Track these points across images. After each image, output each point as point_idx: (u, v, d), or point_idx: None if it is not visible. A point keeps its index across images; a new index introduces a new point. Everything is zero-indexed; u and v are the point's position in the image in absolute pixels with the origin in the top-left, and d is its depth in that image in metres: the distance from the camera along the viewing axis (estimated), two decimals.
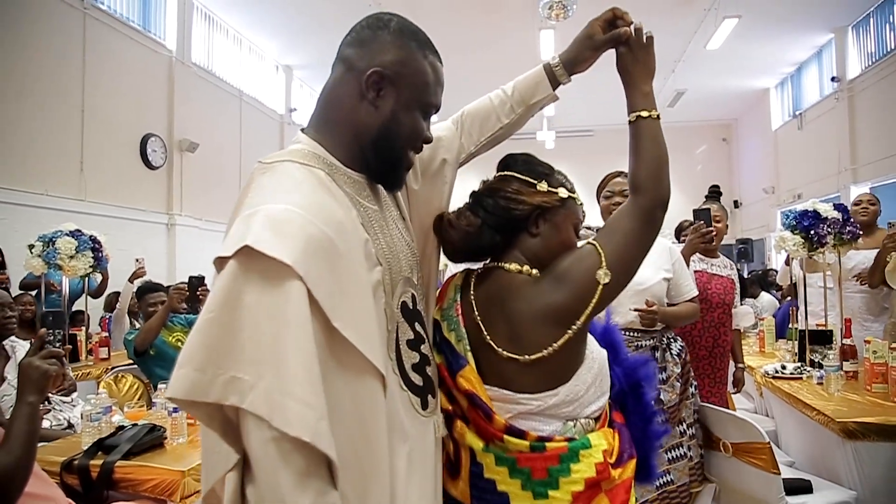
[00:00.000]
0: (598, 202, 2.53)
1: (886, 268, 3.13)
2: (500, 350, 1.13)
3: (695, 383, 2.43)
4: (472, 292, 1.22)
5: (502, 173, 1.26)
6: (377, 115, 1.02)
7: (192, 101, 8.48)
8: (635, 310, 2.25)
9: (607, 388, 1.21)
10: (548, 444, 1.11)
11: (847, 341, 3.07)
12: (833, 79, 9.92)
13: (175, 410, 2.10)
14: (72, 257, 3.95)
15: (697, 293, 2.48)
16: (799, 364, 3.21)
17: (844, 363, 2.95)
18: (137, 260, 4.85)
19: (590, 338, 1.20)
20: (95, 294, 4.89)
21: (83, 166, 6.67)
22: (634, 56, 1.27)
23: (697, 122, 14.53)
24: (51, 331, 1.86)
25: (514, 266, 1.19)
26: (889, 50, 8.58)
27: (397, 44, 1.03)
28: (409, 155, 1.08)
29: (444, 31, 9.84)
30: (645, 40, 1.27)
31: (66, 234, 3.99)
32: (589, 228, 3.10)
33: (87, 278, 4.29)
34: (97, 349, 4.34)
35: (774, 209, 12.46)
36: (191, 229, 8.34)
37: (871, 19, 9.05)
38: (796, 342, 3.47)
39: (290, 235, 0.85)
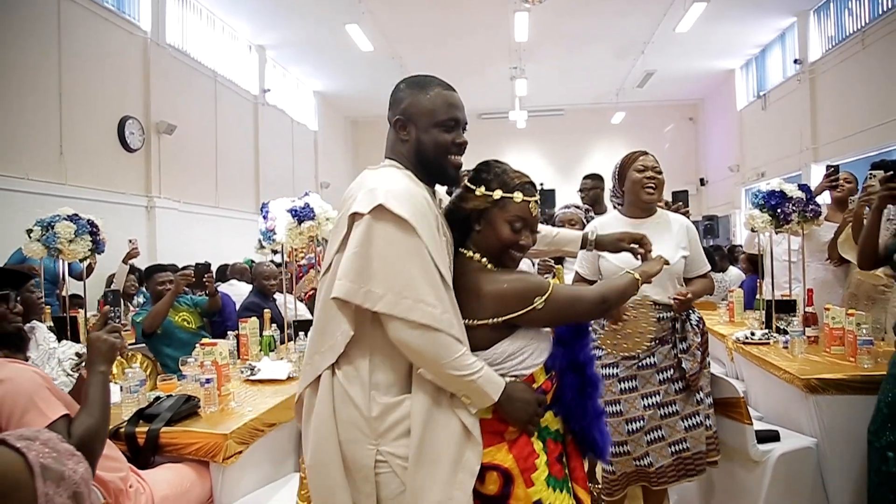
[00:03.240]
0: (624, 179, 2.51)
1: (839, 239, 3.40)
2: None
3: (710, 353, 2.54)
4: None
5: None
6: (409, 145, 1.51)
7: (167, 83, 8.45)
8: (673, 298, 2.33)
9: (531, 363, 1.49)
10: None
11: (809, 309, 3.37)
12: (795, 61, 10.29)
13: (208, 381, 2.27)
14: (71, 241, 4.02)
15: (710, 267, 2.57)
16: (766, 331, 3.49)
17: (807, 329, 3.23)
18: (131, 241, 4.92)
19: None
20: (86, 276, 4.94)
21: (62, 150, 6.66)
22: (648, 263, 1.74)
23: (665, 101, 14.89)
24: (113, 308, 1.96)
25: (469, 252, 1.55)
26: (848, 34, 8.95)
27: (405, 95, 1.52)
28: (447, 160, 1.52)
29: (421, 18, 9.93)
30: (658, 262, 1.75)
31: (65, 219, 4.05)
32: (577, 207, 3.30)
33: (68, 264, 4.31)
34: None
35: (739, 187, 12.91)
36: (170, 211, 8.36)
37: (832, 4, 9.40)
38: (763, 311, 3.76)
39: (405, 203, 1.34)
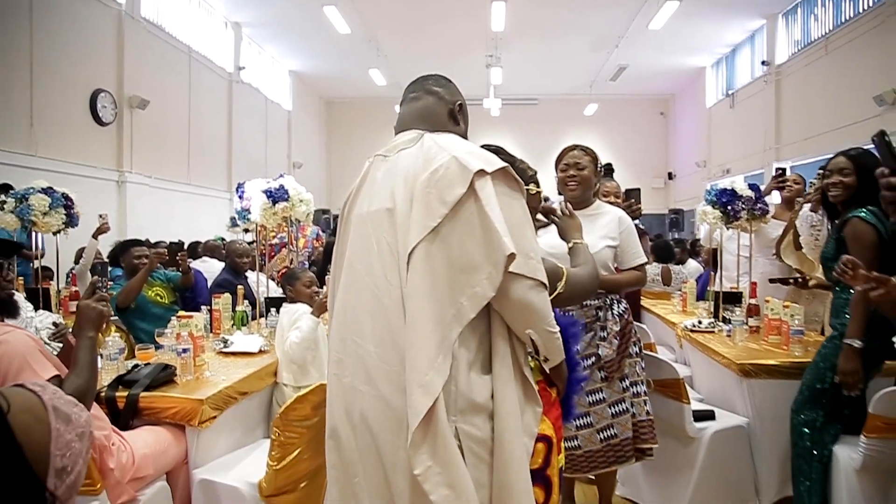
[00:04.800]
0: (556, 174, 2.63)
1: (781, 245, 3.65)
2: None
3: (640, 345, 2.57)
4: None
5: None
6: (460, 128, 1.57)
7: (141, 57, 8.39)
8: None
9: None
10: None
11: (752, 301, 3.60)
12: (763, 62, 10.61)
13: (184, 351, 2.40)
14: (45, 213, 4.06)
15: (644, 261, 2.61)
16: (712, 320, 3.73)
17: (749, 319, 3.47)
18: (101, 216, 4.93)
19: None
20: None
21: (33, 121, 6.61)
22: (566, 222, 1.87)
23: (637, 95, 15.19)
24: (101, 278, 2.04)
25: None
26: (813, 39, 9.27)
27: (458, 91, 1.60)
28: None
29: (399, 4, 9.97)
30: (569, 213, 1.90)
31: (39, 191, 4.08)
32: (546, 200, 3.44)
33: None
34: (67, 303, 4.49)
35: (705, 182, 13.26)
36: (142, 187, 8.34)
37: (800, 8, 9.71)
38: (713, 302, 3.99)
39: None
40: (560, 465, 1.49)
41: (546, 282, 1.33)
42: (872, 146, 1.62)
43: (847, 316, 2.38)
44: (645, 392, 2.52)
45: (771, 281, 3.68)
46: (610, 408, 2.45)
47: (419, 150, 1.39)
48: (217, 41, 10.77)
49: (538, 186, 1.65)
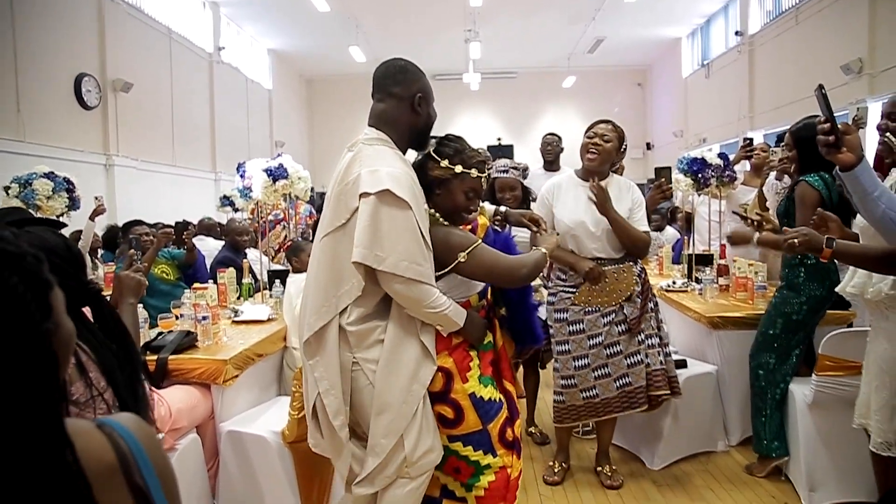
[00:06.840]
0: (583, 139, 2.78)
1: (748, 206, 3.92)
2: None
3: (655, 300, 2.81)
4: None
5: (429, 151, 1.92)
6: (423, 117, 1.88)
7: (123, 40, 8.41)
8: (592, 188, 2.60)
9: (465, 294, 1.92)
10: None
11: (722, 262, 3.89)
12: (737, 33, 10.82)
13: (204, 318, 2.61)
14: (49, 198, 4.22)
15: (648, 228, 2.78)
16: (686, 280, 4.01)
17: (719, 278, 3.76)
18: (97, 198, 5.08)
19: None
20: None
21: (20, 107, 6.66)
22: (543, 237, 2.12)
23: (615, 67, 15.34)
24: (135, 251, 2.20)
25: (432, 211, 1.89)
26: (784, 9, 9.49)
27: (419, 76, 1.89)
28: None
29: None
30: (547, 230, 2.20)
31: (41, 176, 4.24)
32: (515, 169, 3.57)
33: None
34: None
35: (683, 152, 13.46)
36: (129, 170, 8.42)
37: None
38: (686, 265, 4.28)
39: (404, 186, 1.71)
40: (473, 391, 1.84)
41: (421, 278, 1.69)
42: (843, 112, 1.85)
43: (797, 269, 2.67)
44: (660, 344, 2.75)
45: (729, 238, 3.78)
46: (626, 359, 2.69)
47: (352, 157, 1.77)
48: (196, 22, 10.76)
49: (482, 172, 1.91)
